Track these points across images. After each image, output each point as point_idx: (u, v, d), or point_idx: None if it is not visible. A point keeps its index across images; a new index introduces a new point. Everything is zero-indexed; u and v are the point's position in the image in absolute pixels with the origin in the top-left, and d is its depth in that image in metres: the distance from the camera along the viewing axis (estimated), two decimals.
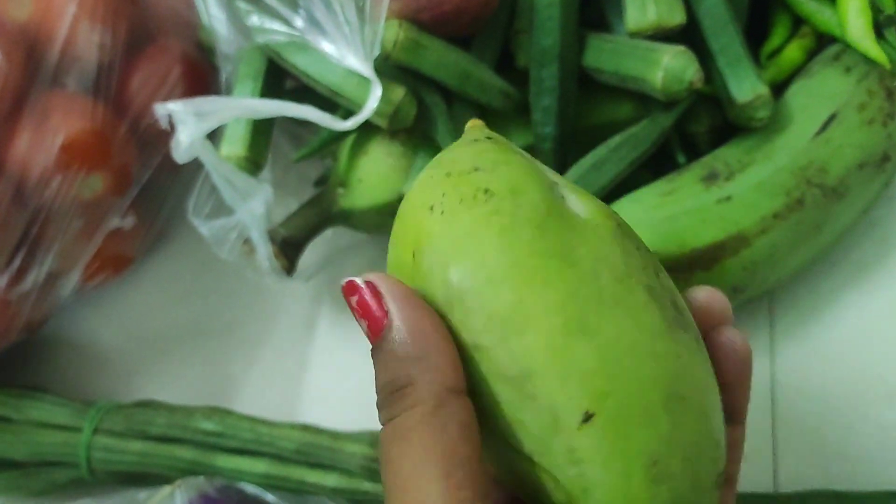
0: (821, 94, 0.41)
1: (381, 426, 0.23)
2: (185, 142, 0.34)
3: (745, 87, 0.39)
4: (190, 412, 0.45)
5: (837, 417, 0.42)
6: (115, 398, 0.47)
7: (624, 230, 0.26)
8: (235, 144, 0.43)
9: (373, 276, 0.23)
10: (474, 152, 0.27)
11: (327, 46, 0.40)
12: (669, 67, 0.38)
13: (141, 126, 0.46)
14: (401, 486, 0.21)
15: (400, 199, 0.43)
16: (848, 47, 0.41)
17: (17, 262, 0.43)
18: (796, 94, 0.41)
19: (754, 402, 0.42)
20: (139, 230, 0.49)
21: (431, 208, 0.25)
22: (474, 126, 0.30)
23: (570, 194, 0.26)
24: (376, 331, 0.23)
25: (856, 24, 0.39)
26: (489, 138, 0.28)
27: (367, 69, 0.39)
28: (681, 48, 0.38)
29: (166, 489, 0.39)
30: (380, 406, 0.23)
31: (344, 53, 0.39)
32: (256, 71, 0.44)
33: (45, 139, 0.42)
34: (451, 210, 0.25)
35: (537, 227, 0.24)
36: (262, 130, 0.44)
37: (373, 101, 0.39)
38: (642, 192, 0.40)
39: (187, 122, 0.34)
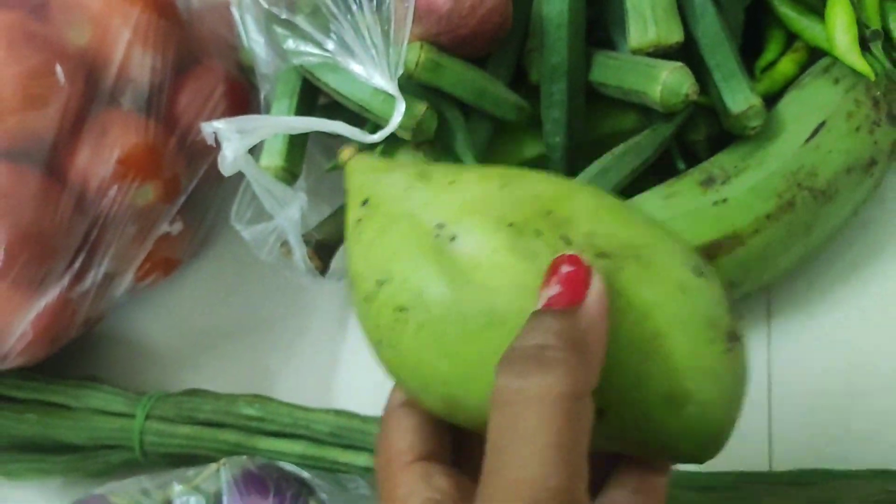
0: (811, 103, 0.44)
1: (498, 374, 0.22)
2: (230, 157, 0.38)
3: (739, 98, 0.43)
4: (233, 399, 0.49)
5: (831, 404, 0.45)
6: (164, 388, 0.51)
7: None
8: (274, 156, 0.48)
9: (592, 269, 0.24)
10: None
11: (356, 67, 0.44)
12: (667, 82, 0.42)
13: (188, 140, 0.51)
14: (504, 450, 0.21)
15: None
16: (837, 60, 0.44)
17: (77, 264, 0.48)
18: (788, 105, 0.44)
19: (751, 389, 0.46)
20: (186, 235, 0.54)
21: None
22: (348, 156, 0.32)
23: (457, 228, 0.26)
24: (566, 302, 0.23)
25: (842, 39, 0.43)
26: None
27: (392, 87, 0.43)
28: (678, 64, 0.42)
29: (212, 466, 0.43)
30: (511, 361, 0.22)
31: (371, 73, 0.43)
32: (292, 89, 0.49)
33: (103, 153, 0.47)
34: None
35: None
36: (297, 143, 0.48)
37: (397, 116, 0.43)
38: (645, 196, 0.43)
39: (231, 139, 0.38)
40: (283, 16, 0.46)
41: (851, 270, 0.48)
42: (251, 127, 0.39)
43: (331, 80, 0.46)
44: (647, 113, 0.45)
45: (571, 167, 0.46)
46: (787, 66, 0.46)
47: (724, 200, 0.42)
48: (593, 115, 0.46)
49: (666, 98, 0.42)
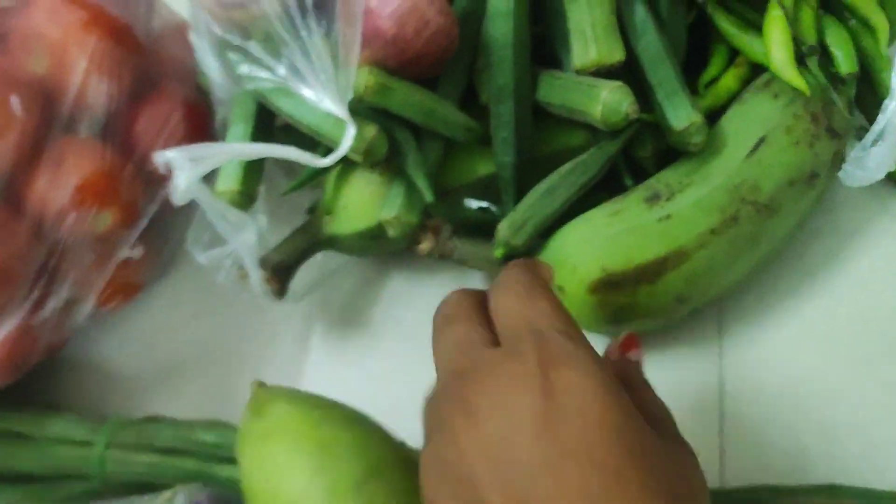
0: (752, 118, 0.45)
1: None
2: (182, 186, 0.39)
3: (681, 115, 0.44)
4: (192, 425, 0.48)
5: (782, 417, 0.46)
6: (128, 414, 0.51)
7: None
8: (230, 181, 0.48)
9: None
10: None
11: (307, 92, 0.44)
12: (607, 101, 0.43)
13: (146, 165, 0.51)
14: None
15: (380, 224, 0.48)
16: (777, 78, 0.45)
17: (37, 292, 0.48)
18: (730, 120, 0.45)
19: (703, 404, 0.46)
20: (148, 259, 0.54)
21: None
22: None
23: None
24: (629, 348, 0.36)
25: (778, 55, 0.44)
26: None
27: (341, 111, 0.43)
28: (617, 83, 0.43)
29: (165, 494, 0.43)
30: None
31: (321, 97, 0.44)
32: (248, 114, 0.49)
33: (60, 181, 0.47)
34: None
35: None
36: (254, 168, 0.49)
37: (348, 139, 0.43)
38: (592, 213, 0.44)
39: (183, 168, 0.39)
40: (236, 42, 0.46)
41: (800, 282, 0.48)
42: (203, 155, 0.39)
43: (283, 105, 0.47)
44: (594, 130, 0.46)
45: (521, 185, 0.46)
46: (729, 81, 0.47)
47: (669, 216, 0.43)
48: (543, 132, 0.47)
49: (607, 117, 0.43)
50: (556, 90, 0.45)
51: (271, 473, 0.37)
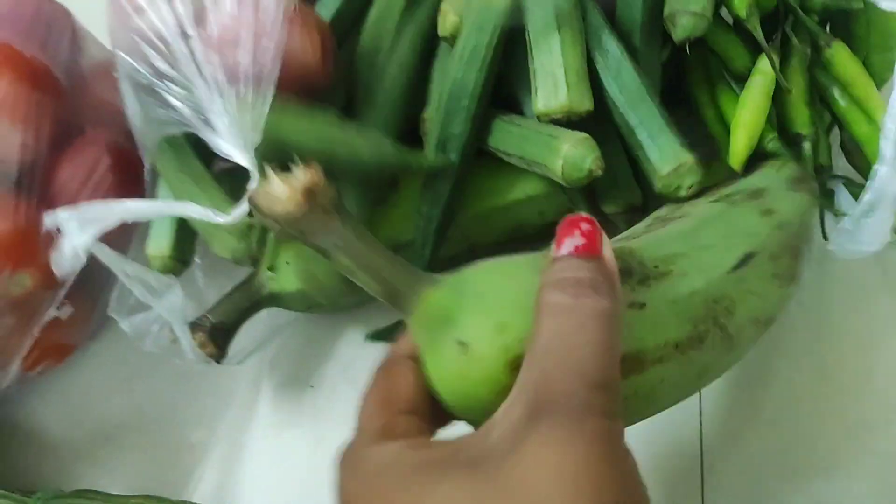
0: (740, 227, 0.38)
1: (549, 293, 0.28)
2: (68, 252, 0.35)
3: (668, 156, 0.39)
4: (124, 500, 0.45)
5: (770, 489, 0.41)
6: (58, 485, 0.48)
7: None
8: (161, 244, 0.44)
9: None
10: None
11: (211, 136, 0.39)
12: (569, 156, 0.38)
13: None
14: (557, 350, 0.26)
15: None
16: (769, 189, 0.40)
17: None
18: (720, 217, 0.39)
19: (684, 470, 0.42)
20: (78, 318, 0.50)
21: None
22: None
23: None
24: (589, 250, 0.29)
25: (738, 144, 0.39)
26: None
27: (245, 159, 0.38)
28: (582, 136, 0.38)
29: None
30: (561, 285, 0.28)
31: (225, 142, 0.38)
32: (174, 160, 0.45)
33: None
34: None
35: None
36: (187, 228, 0.45)
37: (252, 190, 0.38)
38: (536, 260, 0.32)
39: (71, 233, 0.34)
40: (150, 82, 0.42)
41: (790, 342, 0.44)
42: (96, 216, 0.35)
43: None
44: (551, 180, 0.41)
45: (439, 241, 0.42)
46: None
47: (643, 306, 0.33)
48: (499, 179, 0.43)
49: (568, 173, 0.38)
50: (513, 138, 0.41)
51: None
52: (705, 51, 0.44)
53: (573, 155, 0.38)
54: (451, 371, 0.29)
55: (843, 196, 0.43)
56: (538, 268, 0.30)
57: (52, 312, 0.48)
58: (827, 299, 0.45)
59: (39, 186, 0.45)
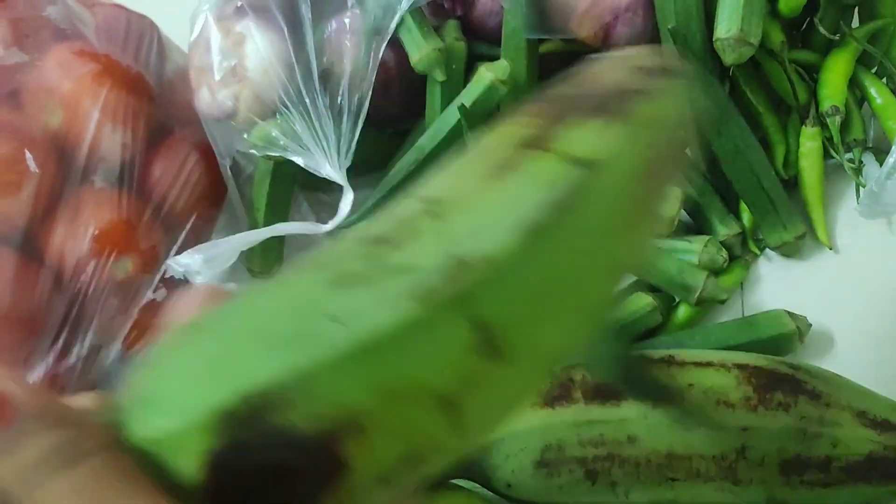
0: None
1: None
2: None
3: None
4: None
5: None
6: None
7: None
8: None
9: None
10: None
11: (305, 158, 0.45)
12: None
13: (164, 210, 0.52)
14: None
15: None
16: None
17: (61, 341, 0.49)
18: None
19: None
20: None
21: None
22: None
23: None
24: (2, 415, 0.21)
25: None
26: None
27: (339, 177, 0.44)
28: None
29: None
30: (23, 482, 0.20)
31: (321, 163, 0.44)
32: (264, 191, 0.51)
33: (78, 231, 0.48)
34: None
35: None
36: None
37: (345, 204, 0.44)
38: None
39: (201, 273, 0.39)
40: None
41: None
42: (216, 253, 0.40)
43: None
44: None
45: None
46: None
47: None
48: None
49: None
50: None
51: None
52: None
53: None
54: None
55: (871, 165, 0.46)
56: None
57: (149, 295, 0.53)
58: None
59: (137, 181, 0.50)
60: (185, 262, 0.40)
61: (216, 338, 0.21)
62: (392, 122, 0.56)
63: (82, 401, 0.22)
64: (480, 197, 0.23)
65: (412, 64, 0.50)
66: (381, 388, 0.20)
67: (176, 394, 0.20)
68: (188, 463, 0.20)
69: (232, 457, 0.20)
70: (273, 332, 0.21)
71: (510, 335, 0.22)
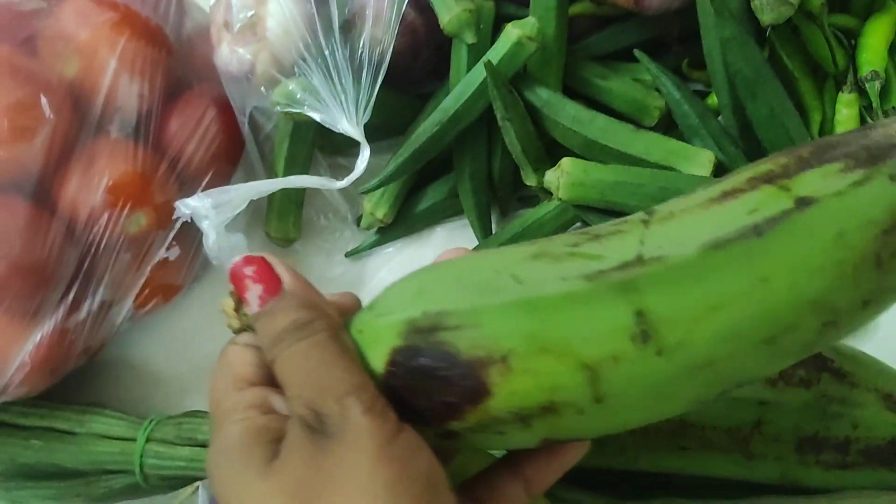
0: None
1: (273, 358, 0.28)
2: (212, 236, 0.38)
3: None
4: None
5: None
6: (168, 413, 0.52)
7: None
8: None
9: (264, 255, 0.29)
10: None
11: (322, 112, 0.44)
12: None
13: (180, 165, 0.51)
14: (308, 375, 0.27)
15: None
16: None
17: (72, 294, 0.48)
18: None
19: None
20: (184, 260, 0.54)
21: None
22: None
23: None
24: (274, 291, 0.28)
25: None
26: None
27: (357, 133, 0.43)
28: None
29: (188, 489, 0.42)
30: (275, 342, 0.28)
31: (338, 117, 0.43)
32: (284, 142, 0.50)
33: (92, 182, 0.47)
34: None
35: None
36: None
37: (362, 160, 0.43)
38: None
39: (209, 216, 0.38)
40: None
41: None
42: (225, 199, 0.38)
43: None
44: None
45: None
46: None
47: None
48: None
49: None
50: None
51: None
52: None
53: None
54: None
55: None
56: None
57: (161, 253, 0.52)
58: None
59: (154, 134, 0.49)
60: (193, 205, 0.39)
61: (431, 277, 0.28)
62: (417, 86, 0.54)
63: (333, 297, 0.30)
64: (693, 214, 0.27)
65: (442, 25, 0.48)
66: (533, 340, 0.25)
67: (388, 304, 0.28)
68: (378, 354, 0.27)
69: (407, 357, 0.27)
70: (469, 280, 0.27)
71: (666, 330, 0.25)
